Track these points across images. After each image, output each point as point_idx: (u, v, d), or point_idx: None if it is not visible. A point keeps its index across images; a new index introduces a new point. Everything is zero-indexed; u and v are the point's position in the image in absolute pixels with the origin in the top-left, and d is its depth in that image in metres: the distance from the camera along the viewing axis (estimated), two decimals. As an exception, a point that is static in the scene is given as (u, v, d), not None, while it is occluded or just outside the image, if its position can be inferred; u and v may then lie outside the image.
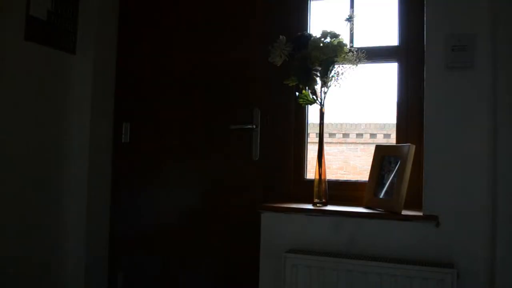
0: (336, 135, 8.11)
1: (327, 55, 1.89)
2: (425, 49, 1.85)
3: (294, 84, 2.00)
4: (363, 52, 1.90)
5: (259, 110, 2.13)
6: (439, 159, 1.81)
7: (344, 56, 1.89)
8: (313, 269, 1.83)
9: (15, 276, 1.99)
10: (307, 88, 1.98)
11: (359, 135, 8.13)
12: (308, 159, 2.23)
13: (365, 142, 8.02)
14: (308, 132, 2.27)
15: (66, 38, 2.19)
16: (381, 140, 7.81)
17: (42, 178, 2.13)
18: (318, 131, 2.02)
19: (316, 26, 2.22)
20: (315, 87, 1.97)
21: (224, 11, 2.31)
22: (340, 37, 1.93)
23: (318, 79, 1.96)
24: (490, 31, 1.75)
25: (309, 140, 2.26)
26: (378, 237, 1.87)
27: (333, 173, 7.38)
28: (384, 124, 7.93)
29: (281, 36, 1.97)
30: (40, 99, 2.11)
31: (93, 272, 2.32)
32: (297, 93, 2.03)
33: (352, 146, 8.10)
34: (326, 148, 2.06)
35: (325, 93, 1.97)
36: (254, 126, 2.14)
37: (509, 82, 1.69)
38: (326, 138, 2.31)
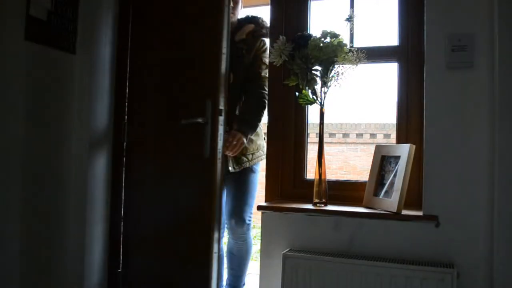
0: (336, 135, 8.12)
1: (327, 55, 1.89)
2: (425, 49, 1.86)
3: (294, 84, 2.00)
4: (363, 52, 1.90)
5: (210, 103, 1.99)
6: (439, 159, 1.81)
7: (344, 56, 1.89)
8: (313, 269, 1.83)
9: (16, 275, 1.99)
10: (307, 88, 1.98)
11: (359, 135, 8.15)
12: (308, 159, 2.23)
13: (365, 142, 8.04)
14: (308, 132, 2.27)
15: (66, 38, 2.19)
16: (381, 140, 7.83)
17: (42, 178, 2.13)
18: (318, 131, 2.02)
19: (316, 26, 2.22)
20: (315, 87, 1.97)
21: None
22: (340, 37, 1.93)
23: (318, 79, 1.96)
24: (490, 31, 1.75)
25: (309, 140, 2.26)
26: (378, 237, 1.87)
27: (333, 173, 7.40)
28: (384, 124, 7.95)
29: (281, 36, 1.97)
30: (40, 99, 2.11)
31: (93, 271, 2.32)
32: (297, 93, 2.03)
33: (352, 146, 8.12)
34: (326, 148, 2.06)
35: (325, 93, 1.97)
36: (205, 120, 2.00)
37: (509, 82, 1.69)
38: (326, 138, 2.33)
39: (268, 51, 2.30)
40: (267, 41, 2.40)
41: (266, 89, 2.32)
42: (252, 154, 2.42)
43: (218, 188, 1.99)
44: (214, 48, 2.02)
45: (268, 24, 2.31)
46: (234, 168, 2.36)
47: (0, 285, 1.93)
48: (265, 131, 2.27)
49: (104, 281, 2.40)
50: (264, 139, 2.46)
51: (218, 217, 2.01)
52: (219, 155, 1.97)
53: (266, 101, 2.31)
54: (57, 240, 2.21)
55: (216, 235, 1.99)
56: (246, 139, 2.29)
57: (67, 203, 2.25)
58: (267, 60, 2.34)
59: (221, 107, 1.99)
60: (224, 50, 2.00)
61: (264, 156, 2.42)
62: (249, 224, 2.43)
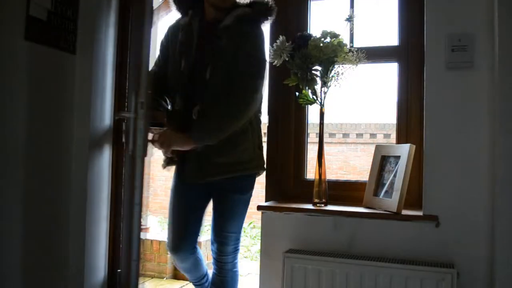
0: (336, 135, 8.12)
1: (327, 55, 1.89)
2: (425, 49, 1.86)
3: (294, 84, 2.00)
4: (363, 52, 1.90)
5: (135, 96, 1.85)
6: (439, 159, 1.81)
7: (344, 56, 1.89)
8: (312, 269, 1.83)
9: (16, 275, 1.99)
10: (307, 88, 1.98)
11: (359, 135, 8.15)
12: (308, 159, 2.23)
13: (365, 142, 8.04)
14: (308, 132, 2.27)
15: (66, 38, 2.19)
16: (381, 140, 7.82)
17: (42, 178, 2.13)
18: (318, 131, 2.02)
19: (316, 26, 2.22)
20: (315, 87, 1.97)
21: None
22: (340, 37, 1.92)
23: (318, 79, 1.96)
24: (490, 31, 1.75)
25: (309, 140, 2.26)
26: (378, 237, 1.87)
27: (333, 173, 7.39)
28: (384, 124, 7.94)
29: (281, 36, 1.97)
30: (40, 99, 2.11)
31: (93, 270, 2.32)
32: (297, 93, 2.03)
33: (352, 146, 8.12)
34: (326, 148, 2.06)
35: (325, 93, 1.97)
36: (131, 115, 1.86)
37: (509, 82, 1.69)
38: (326, 138, 2.31)
39: (259, 41, 1.90)
40: (264, 29, 1.94)
41: (252, 90, 1.84)
42: (226, 165, 1.88)
43: (137, 185, 1.82)
44: (136, 38, 1.88)
45: (271, 10, 1.93)
46: (195, 177, 1.90)
47: (1, 284, 1.93)
48: (265, 131, 2.26)
49: (104, 281, 2.41)
50: (259, 147, 1.99)
51: (129, 215, 1.82)
52: (140, 151, 1.81)
53: (244, 107, 1.84)
54: (57, 240, 2.21)
55: (136, 228, 1.80)
56: (192, 145, 1.83)
57: (68, 203, 2.25)
58: (259, 53, 1.89)
59: (142, 100, 1.83)
60: (147, 38, 1.82)
61: (254, 172, 1.97)
62: (235, 254, 1.99)
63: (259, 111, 2.00)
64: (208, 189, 1.98)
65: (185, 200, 2.02)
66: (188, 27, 1.97)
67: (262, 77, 1.87)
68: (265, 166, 2.02)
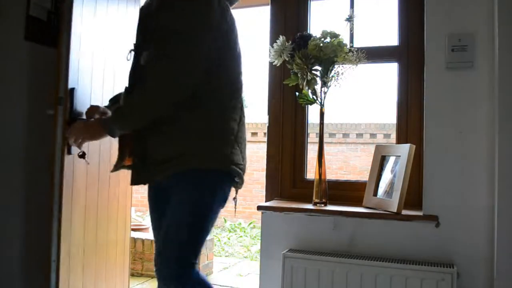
0: (336, 135, 8.11)
1: (327, 55, 1.89)
2: (425, 49, 1.86)
3: (294, 84, 2.00)
4: (363, 52, 1.90)
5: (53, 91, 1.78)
6: (439, 159, 1.81)
7: (344, 56, 1.90)
8: (312, 269, 1.83)
9: (17, 275, 1.99)
10: (307, 88, 1.98)
11: (359, 135, 8.14)
12: (308, 159, 2.23)
13: (365, 142, 8.03)
14: (308, 132, 2.27)
15: (66, 38, 2.19)
16: (381, 140, 7.81)
17: (43, 178, 2.13)
18: (318, 131, 2.03)
19: (316, 26, 2.22)
20: (315, 87, 1.97)
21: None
22: (340, 37, 1.92)
23: (318, 79, 1.96)
24: (490, 31, 1.75)
25: (309, 140, 2.26)
26: (378, 237, 1.87)
27: (333, 173, 7.39)
28: (384, 124, 7.94)
29: (281, 36, 1.97)
30: (40, 99, 2.11)
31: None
32: (297, 93, 2.03)
33: (352, 146, 8.10)
34: (326, 148, 2.06)
35: (325, 93, 1.97)
36: (50, 112, 1.83)
37: (509, 82, 1.70)
38: (326, 138, 2.31)
39: (184, 8, 1.49)
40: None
41: (161, 76, 1.46)
42: (162, 162, 1.51)
43: (56, 183, 1.82)
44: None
45: None
46: (136, 180, 1.58)
47: (1, 284, 1.93)
48: (265, 131, 2.26)
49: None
50: (206, 138, 1.52)
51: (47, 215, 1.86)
52: (58, 149, 1.78)
53: (152, 96, 1.48)
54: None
55: (54, 227, 1.84)
56: (105, 134, 1.53)
57: (67, 203, 2.25)
58: (179, 25, 1.47)
59: (61, 95, 1.79)
60: (64, 34, 1.79)
61: (188, 168, 1.50)
62: (179, 282, 1.47)
63: (232, 95, 1.59)
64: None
65: (155, 207, 1.68)
66: (140, 13, 1.68)
67: (176, 59, 1.45)
68: (221, 162, 1.53)
